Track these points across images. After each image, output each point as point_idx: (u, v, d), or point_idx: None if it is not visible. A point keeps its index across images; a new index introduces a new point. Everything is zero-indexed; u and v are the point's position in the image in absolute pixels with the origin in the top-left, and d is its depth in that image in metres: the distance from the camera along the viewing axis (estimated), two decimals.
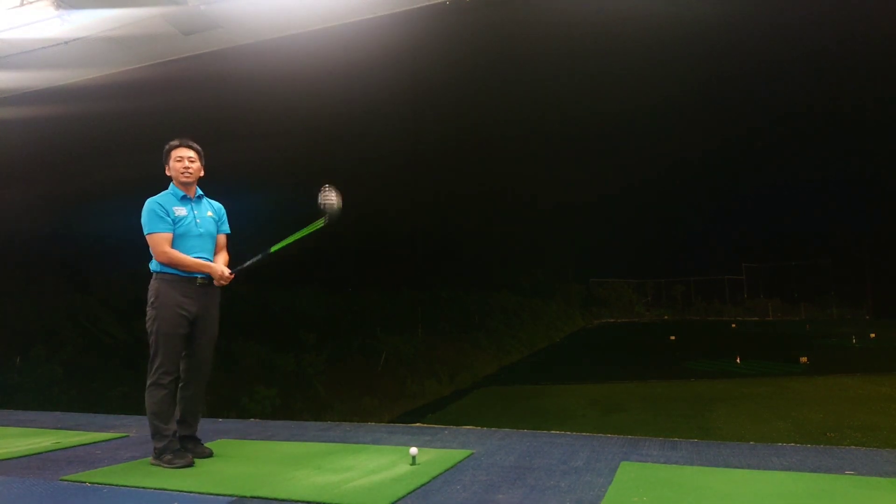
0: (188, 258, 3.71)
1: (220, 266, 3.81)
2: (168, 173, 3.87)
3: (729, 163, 44.36)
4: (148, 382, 3.66)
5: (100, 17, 5.08)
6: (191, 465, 3.63)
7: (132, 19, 5.08)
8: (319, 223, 3.69)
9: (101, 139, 15.87)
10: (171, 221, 3.72)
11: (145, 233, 3.72)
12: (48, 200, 15.88)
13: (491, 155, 35.89)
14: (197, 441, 3.90)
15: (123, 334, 14.58)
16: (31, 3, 4.86)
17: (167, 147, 3.86)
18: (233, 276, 3.80)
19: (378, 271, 23.92)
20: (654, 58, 34.54)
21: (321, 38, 5.57)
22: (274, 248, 3.78)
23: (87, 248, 16.66)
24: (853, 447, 3.81)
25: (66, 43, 5.37)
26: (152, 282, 3.72)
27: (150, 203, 3.74)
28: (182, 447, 3.71)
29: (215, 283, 3.78)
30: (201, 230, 3.83)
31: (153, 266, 3.74)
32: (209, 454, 3.86)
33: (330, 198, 3.78)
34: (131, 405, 10.71)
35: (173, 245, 3.73)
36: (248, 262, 3.81)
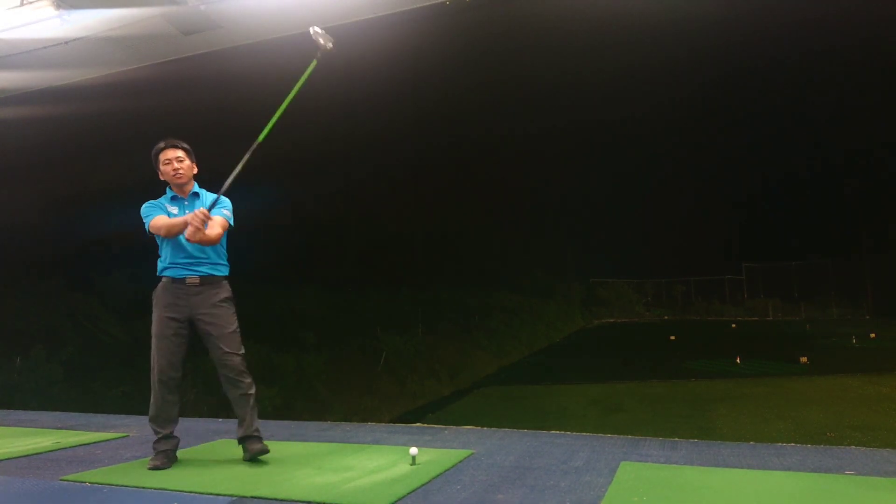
0: (170, 220, 3.70)
1: (193, 213, 3.61)
2: (162, 178, 3.83)
3: (729, 163, 44.40)
4: None
5: (100, 17, 5.08)
6: (158, 467, 3.59)
7: (132, 19, 5.08)
8: (312, 65, 3.59)
9: (101, 139, 15.86)
10: (164, 208, 3.77)
11: (146, 231, 3.76)
12: (48, 200, 15.87)
13: (491, 154, 35.89)
14: (254, 439, 3.72)
15: (123, 334, 14.57)
16: (31, 3, 4.86)
17: (154, 152, 3.81)
18: (208, 213, 3.62)
19: (378, 271, 23.90)
20: (657, 56, 34.55)
21: None
22: (262, 136, 3.70)
23: (87, 248, 16.65)
24: (853, 447, 3.82)
25: (66, 43, 5.36)
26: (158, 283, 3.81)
27: (143, 207, 3.81)
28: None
29: (195, 225, 3.55)
30: None
31: (158, 269, 3.79)
32: (260, 451, 3.68)
33: (320, 41, 3.67)
34: (131, 405, 10.71)
35: (167, 245, 3.76)
36: (238, 167, 3.65)
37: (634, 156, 43.25)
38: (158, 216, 3.74)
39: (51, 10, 4.88)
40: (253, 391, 3.74)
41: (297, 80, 3.58)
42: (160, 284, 3.78)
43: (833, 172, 39.14)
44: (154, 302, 3.76)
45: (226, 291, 3.85)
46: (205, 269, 3.79)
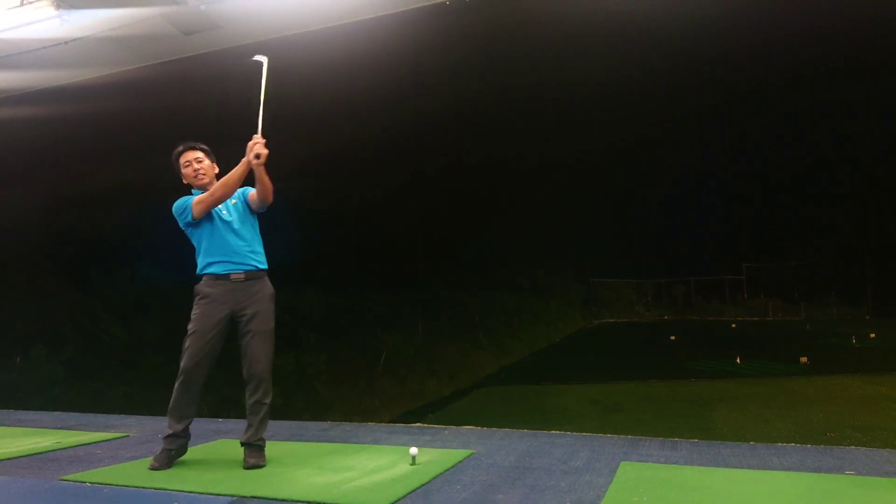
0: (223, 178, 3.65)
1: (249, 146, 3.62)
2: (185, 181, 3.81)
3: (730, 163, 44.41)
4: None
5: (100, 17, 5.08)
6: (157, 468, 3.55)
7: (132, 19, 5.08)
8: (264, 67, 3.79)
9: (101, 139, 15.86)
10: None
11: (189, 217, 3.66)
12: (48, 200, 15.88)
13: (491, 155, 35.91)
14: (254, 449, 3.63)
15: (124, 334, 14.58)
16: (31, 3, 4.87)
17: (174, 155, 3.79)
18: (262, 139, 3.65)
19: (378, 271, 23.91)
20: (658, 57, 34.55)
21: (321, 38, 5.57)
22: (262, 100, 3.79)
23: (87, 248, 16.65)
24: (853, 447, 3.81)
25: (66, 43, 5.37)
26: (199, 282, 3.74)
27: (174, 205, 3.74)
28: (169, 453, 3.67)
29: (257, 153, 3.57)
30: (229, 218, 3.75)
31: (197, 270, 3.74)
32: (254, 466, 3.58)
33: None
34: (132, 405, 10.71)
35: (205, 241, 3.70)
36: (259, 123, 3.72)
37: (635, 156, 43.26)
38: (196, 197, 3.68)
39: (51, 10, 4.88)
40: (268, 401, 3.65)
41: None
42: (203, 282, 3.70)
43: (834, 172, 39.19)
44: (197, 298, 3.68)
45: (269, 288, 3.79)
46: (249, 262, 3.72)
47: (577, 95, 35.97)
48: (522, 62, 33.66)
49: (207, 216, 3.70)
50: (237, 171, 3.62)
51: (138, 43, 5.49)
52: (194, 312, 3.66)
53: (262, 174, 3.64)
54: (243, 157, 3.61)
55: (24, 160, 13.71)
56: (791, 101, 38.96)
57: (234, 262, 3.69)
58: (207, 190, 3.74)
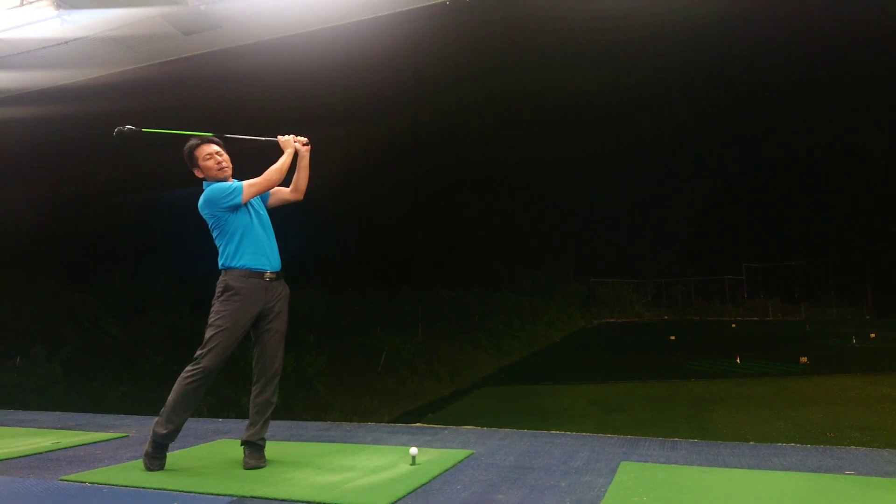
0: (277, 165, 3.63)
1: (285, 139, 3.71)
2: (199, 175, 3.68)
3: (729, 163, 44.44)
4: (188, 369, 3.48)
5: (100, 17, 5.08)
6: (151, 469, 3.49)
7: (132, 19, 5.09)
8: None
9: (101, 139, 15.85)
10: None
11: (239, 199, 3.53)
12: (48, 200, 15.89)
13: (491, 155, 35.93)
14: (256, 449, 3.57)
15: (123, 334, 14.59)
16: (31, 3, 4.87)
17: (188, 149, 3.65)
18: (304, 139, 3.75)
19: (378, 271, 23.94)
20: (658, 60, 34.56)
21: (321, 38, 5.57)
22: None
23: (87, 248, 16.66)
24: (853, 447, 3.81)
25: (66, 43, 5.37)
26: (222, 277, 3.57)
27: (210, 189, 3.58)
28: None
29: (302, 145, 3.72)
30: (262, 213, 3.72)
31: (222, 262, 3.59)
32: (255, 467, 3.53)
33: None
34: (131, 405, 10.72)
35: (237, 235, 3.56)
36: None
37: (635, 156, 43.29)
38: (243, 182, 3.58)
39: (51, 10, 4.88)
40: (276, 400, 3.63)
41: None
42: (235, 275, 3.52)
43: (834, 173, 39.21)
44: (227, 293, 3.50)
45: (288, 289, 3.78)
46: (279, 262, 3.70)
47: (577, 96, 35.99)
48: (523, 62, 33.71)
49: (245, 207, 3.61)
50: (287, 160, 3.63)
51: (138, 43, 5.49)
52: (224, 308, 3.49)
53: (308, 160, 3.74)
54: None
55: (24, 160, 13.71)
56: (792, 103, 38.98)
57: (269, 260, 3.64)
58: (228, 181, 3.66)
